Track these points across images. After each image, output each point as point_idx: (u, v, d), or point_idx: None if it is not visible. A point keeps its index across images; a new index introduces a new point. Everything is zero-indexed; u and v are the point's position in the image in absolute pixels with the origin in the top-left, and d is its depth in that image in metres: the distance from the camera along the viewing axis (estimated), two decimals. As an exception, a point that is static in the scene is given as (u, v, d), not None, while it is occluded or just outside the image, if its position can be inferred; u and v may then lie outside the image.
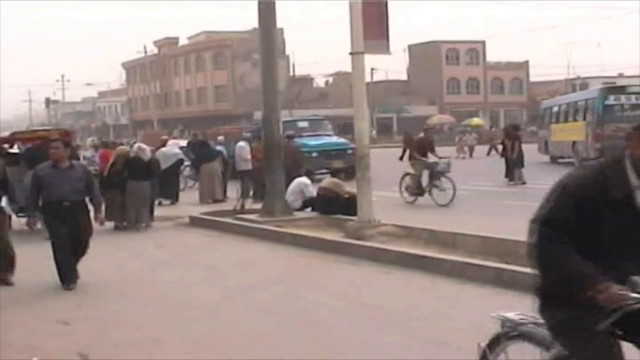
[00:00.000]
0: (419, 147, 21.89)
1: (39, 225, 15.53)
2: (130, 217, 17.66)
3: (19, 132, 22.50)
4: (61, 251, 10.89)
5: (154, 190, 18.58)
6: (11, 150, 18.93)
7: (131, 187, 17.57)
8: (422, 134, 22.96)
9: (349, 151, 27.69)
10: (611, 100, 32.29)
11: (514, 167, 25.95)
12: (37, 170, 11.40)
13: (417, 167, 21.32)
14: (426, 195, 20.82)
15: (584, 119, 33.32)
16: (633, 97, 32.48)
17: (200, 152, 25.24)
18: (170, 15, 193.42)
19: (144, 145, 19.14)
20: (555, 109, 38.92)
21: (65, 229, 10.91)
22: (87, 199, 11.45)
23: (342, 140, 32.41)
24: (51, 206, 11.08)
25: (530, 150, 31.91)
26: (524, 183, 25.13)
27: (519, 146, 26.30)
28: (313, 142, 30.17)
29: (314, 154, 28.83)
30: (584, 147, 32.45)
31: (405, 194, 21.42)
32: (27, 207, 14.05)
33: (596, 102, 32.47)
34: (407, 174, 21.59)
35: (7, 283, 11.28)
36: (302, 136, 29.15)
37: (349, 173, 24.81)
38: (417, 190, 21.06)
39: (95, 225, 11.53)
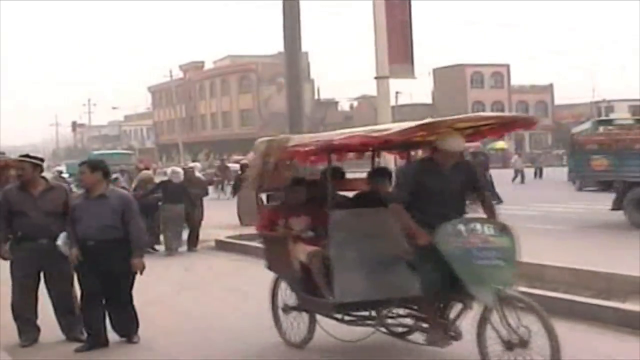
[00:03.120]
0: None
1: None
2: (166, 241, 17.66)
3: None
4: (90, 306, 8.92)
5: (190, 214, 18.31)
6: None
7: (165, 211, 17.61)
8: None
9: None
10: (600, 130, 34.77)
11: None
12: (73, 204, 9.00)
13: None
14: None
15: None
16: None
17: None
18: (196, 40, 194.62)
19: (177, 169, 19.14)
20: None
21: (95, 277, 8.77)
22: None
23: None
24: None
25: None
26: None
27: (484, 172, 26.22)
28: None
29: None
30: None
31: None
32: None
33: (588, 132, 34.65)
34: None
35: (79, 340, 9.16)
36: None
37: None
38: None
39: None
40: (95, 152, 63.60)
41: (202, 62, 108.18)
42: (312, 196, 8.62)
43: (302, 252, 8.27)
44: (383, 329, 8.13)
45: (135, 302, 9.16)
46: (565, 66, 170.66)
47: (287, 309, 8.89)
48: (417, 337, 7.95)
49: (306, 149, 8.22)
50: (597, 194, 25.58)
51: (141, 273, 8.87)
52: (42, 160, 9.27)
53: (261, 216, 9.16)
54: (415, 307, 7.87)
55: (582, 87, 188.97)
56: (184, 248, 18.12)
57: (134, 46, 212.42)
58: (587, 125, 44.58)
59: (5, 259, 9.11)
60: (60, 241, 8.76)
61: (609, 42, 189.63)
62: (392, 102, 16.32)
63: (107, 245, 8.59)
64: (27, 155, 9.23)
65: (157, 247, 17.93)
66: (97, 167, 8.92)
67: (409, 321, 8.08)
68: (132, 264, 8.71)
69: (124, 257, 8.67)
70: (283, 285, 8.97)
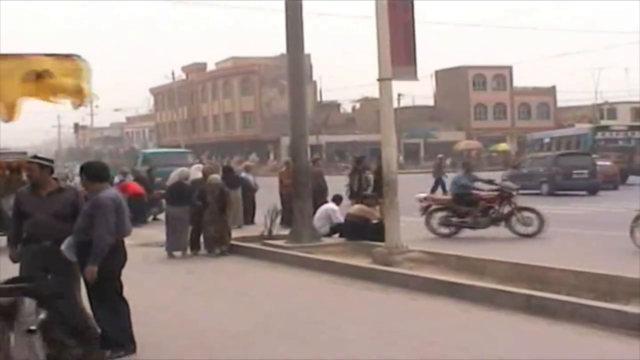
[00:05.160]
0: None
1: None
2: (171, 244, 17.60)
3: None
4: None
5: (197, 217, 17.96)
6: None
7: (169, 213, 17.58)
8: None
9: None
10: (599, 135, 43.75)
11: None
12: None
13: None
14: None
15: (577, 149, 42.42)
16: (614, 133, 44.59)
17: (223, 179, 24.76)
18: (199, 41, 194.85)
19: (187, 171, 19.22)
20: (547, 140, 48.31)
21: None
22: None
23: None
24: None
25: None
26: None
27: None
28: None
29: None
30: None
31: None
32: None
33: (588, 137, 43.64)
34: None
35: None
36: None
37: None
38: None
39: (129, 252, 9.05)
40: (147, 151, 55.23)
41: (205, 64, 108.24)
42: None
43: None
44: None
45: (139, 306, 9.10)
46: (568, 68, 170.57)
47: None
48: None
49: None
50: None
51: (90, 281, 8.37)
52: (51, 161, 9.16)
53: None
54: None
55: (584, 89, 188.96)
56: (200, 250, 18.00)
57: (136, 48, 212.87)
58: (547, 133, 51.14)
59: (14, 261, 9.05)
60: (64, 246, 8.56)
61: (612, 44, 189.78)
62: (395, 104, 16.30)
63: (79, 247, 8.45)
64: (35, 157, 9.15)
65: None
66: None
67: None
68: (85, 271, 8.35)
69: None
70: None
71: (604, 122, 54.81)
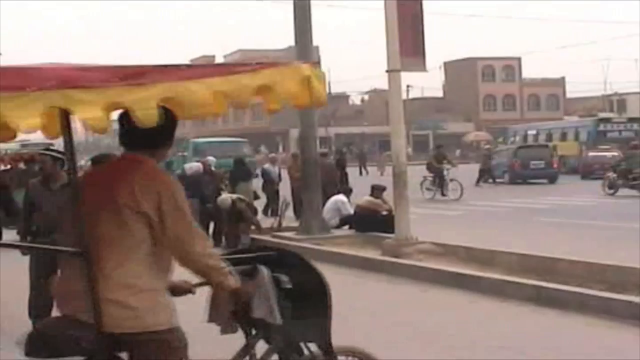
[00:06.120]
0: None
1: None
2: None
3: None
4: None
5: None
6: None
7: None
8: None
9: None
10: (601, 127, 46.71)
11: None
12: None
13: None
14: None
15: (576, 139, 46.87)
16: (615, 125, 47.45)
17: (235, 171, 24.69)
18: (207, 34, 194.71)
19: (195, 165, 19.35)
20: (532, 132, 51.94)
21: None
22: None
23: None
24: None
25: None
26: None
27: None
28: None
29: None
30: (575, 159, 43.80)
31: None
32: None
33: (591, 128, 46.85)
34: None
35: None
36: None
37: None
38: None
39: None
40: (200, 140, 50.40)
41: (213, 56, 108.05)
42: None
43: None
44: None
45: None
46: (578, 59, 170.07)
47: None
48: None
49: None
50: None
51: None
52: (62, 153, 9.05)
53: None
54: None
55: (594, 80, 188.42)
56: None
57: (144, 40, 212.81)
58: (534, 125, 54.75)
59: (24, 253, 9.01)
60: None
61: (622, 35, 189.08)
62: (404, 96, 16.31)
63: None
64: (48, 149, 9.01)
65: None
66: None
67: None
68: None
69: None
70: None
71: (603, 115, 56.82)
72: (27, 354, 4.12)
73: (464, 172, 34.30)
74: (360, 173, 52.96)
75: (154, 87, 3.46)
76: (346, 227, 18.05)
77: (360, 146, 64.15)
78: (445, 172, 30.47)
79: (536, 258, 12.66)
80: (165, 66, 3.65)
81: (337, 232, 17.50)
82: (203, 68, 3.78)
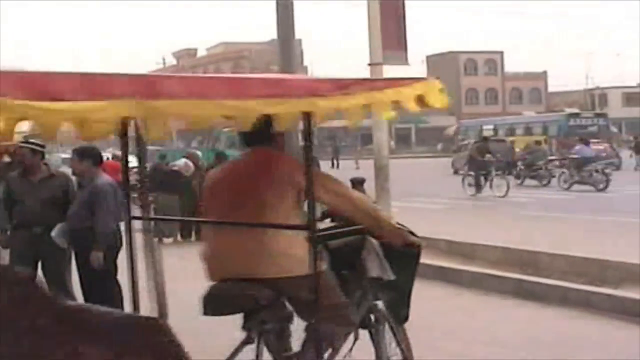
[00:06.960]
0: None
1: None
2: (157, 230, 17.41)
3: None
4: None
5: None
6: None
7: (159, 200, 17.57)
8: None
9: None
10: (572, 122, 49.13)
11: None
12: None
13: None
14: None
15: (545, 133, 47.91)
16: (583, 120, 50.03)
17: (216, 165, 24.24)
18: (189, 26, 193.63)
19: (190, 163, 19.24)
20: (488, 126, 52.56)
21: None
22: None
23: None
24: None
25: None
26: None
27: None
28: None
29: None
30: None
31: None
32: None
33: (562, 123, 49.12)
34: None
35: None
36: None
37: None
38: None
39: None
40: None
41: (195, 49, 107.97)
42: None
43: None
44: None
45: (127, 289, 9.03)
46: (560, 53, 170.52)
47: None
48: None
49: None
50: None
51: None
52: (42, 146, 8.91)
53: None
54: None
55: (576, 74, 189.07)
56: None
57: (126, 33, 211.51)
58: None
59: (4, 247, 8.92)
60: (54, 232, 8.37)
61: (603, 29, 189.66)
62: (386, 89, 16.35)
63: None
64: (27, 141, 8.73)
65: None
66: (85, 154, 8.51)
67: None
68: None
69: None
70: None
71: (569, 110, 59.80)
72: (205, 313, 5.56)
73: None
74: (332, 166, 54.05)
75: (360, 95, 4.60)
76: (328, 220, 17.99)
77: (334, 141, 64.52)
78: (490, 167, 28.46)
79: (517, 251, 12.70)
80: (364, 80, 4.91)
81: (319, 225, 17.44)
82: (371, 82, 5.11)
